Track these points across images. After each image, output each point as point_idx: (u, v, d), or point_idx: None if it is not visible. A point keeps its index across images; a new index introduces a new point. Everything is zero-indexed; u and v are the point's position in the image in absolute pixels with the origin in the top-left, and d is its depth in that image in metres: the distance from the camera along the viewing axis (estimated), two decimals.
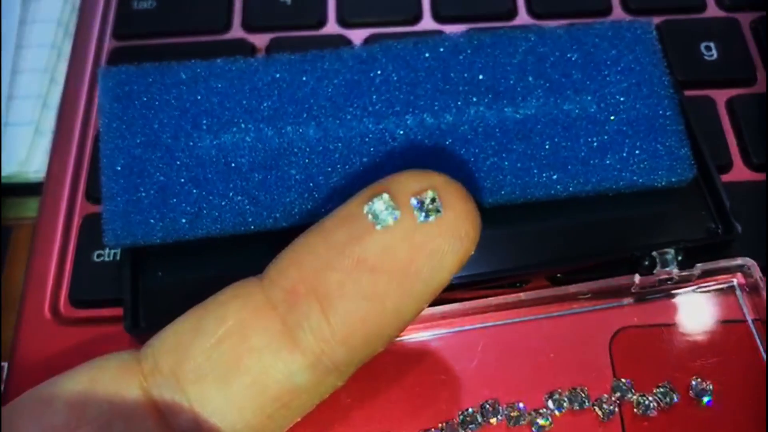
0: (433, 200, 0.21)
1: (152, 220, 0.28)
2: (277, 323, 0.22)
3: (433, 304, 0.26)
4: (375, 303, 0.21)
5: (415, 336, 0.29)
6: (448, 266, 0.21)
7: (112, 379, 0.22)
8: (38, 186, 0.34)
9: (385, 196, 0.21)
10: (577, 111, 0.29)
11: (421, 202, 0.21)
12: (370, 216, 0.21)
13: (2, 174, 0.35)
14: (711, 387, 0.27)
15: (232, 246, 0.29)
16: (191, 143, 0.29)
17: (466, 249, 0.22)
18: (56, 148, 0.34)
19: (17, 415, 0.21)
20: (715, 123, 0.33)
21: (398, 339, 0.28)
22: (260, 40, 0.37)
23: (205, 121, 0.29)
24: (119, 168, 0.29)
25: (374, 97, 0.29)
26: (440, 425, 0.27)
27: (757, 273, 0.28)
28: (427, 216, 0.21)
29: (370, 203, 0.21)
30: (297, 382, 0.21)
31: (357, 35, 0.37)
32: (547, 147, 0.29)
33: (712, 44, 0.35)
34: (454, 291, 0.28)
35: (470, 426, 0.27)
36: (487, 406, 0.27)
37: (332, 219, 0.22)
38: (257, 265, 0.23)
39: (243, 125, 0.29)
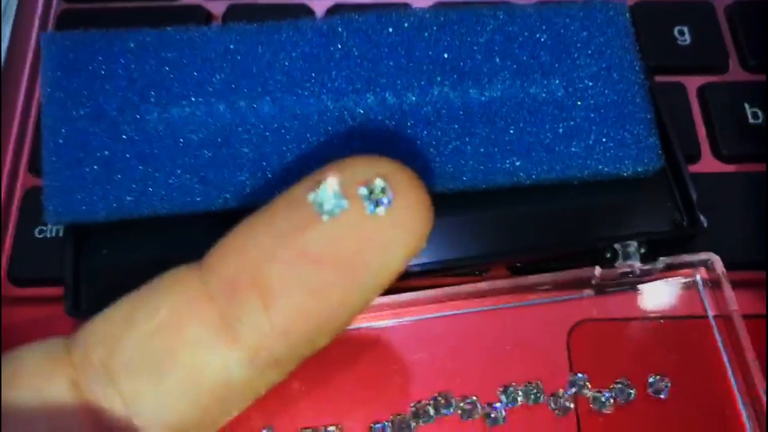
0: (383, 190, 0.20)
1: (95, 197, 0.27)
2: (214, 315, 0.21)
3: (389, 292, 0.25)
4: (318, 297, 0.20)
5: (368, 324, 0.28)
6: (397, 259, 0.21)
7: (37, 370, 0.21)
8: None
9: (332, 183, 0.20)
10: (543, 95, 0.28)
11: (370, 191, 0.20)
12: (315, 205, 0.20)
13: None
14: (668, 384, 0.27)
15: (181, 226, 0.28)
16: (138, 116, 0.28)
17: (417, 240, 0.21)
18: None
19: None
20: (685, 111, 0.32)
21: (351, 327, 0.27)
22: (217, 7, 0.35)
23: (153, 94, 0.28)
24: (61, 141, 0.27)
25: (333, 72, 0.28)
26: (391, 417, 0.26)
27: (720, 268, 0.28)
28: (375, 206, 0.20)
29: (315, 191, 0.20)
30: (234, 377, 0.21)
31: (319, 5, 0.35)
32: (511, 132, 0.28)
33: (685, 28, 0.34)
34: (410, 279, 0.28)
35: (422, 419, 0.26)
36: (440, 398, 0.27)
37: (276, 205, 0.21)
38: (208, 246, 0.22)
39: (193, 99, 0.28)
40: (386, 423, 0.26)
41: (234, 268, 0.21)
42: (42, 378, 0.21)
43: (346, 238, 0.20)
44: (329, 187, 0.20)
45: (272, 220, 0.21)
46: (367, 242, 0.20)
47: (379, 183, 0.20)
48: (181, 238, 0.28)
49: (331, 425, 0.26)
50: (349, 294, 0.20)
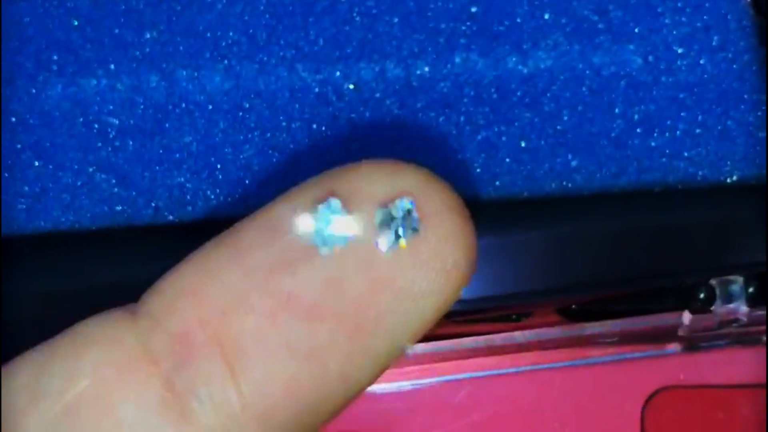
0: (408, 213, 0.17)
1: None
2: (158, 387, 0.17)
3: None
4: (311, 363, 0.17)
5: (383, 387, 0.27)
6: (424, 312, 0.17)
7: None
8: None
9: (335, 202, 0.17)
10: (612, 67, 0.24)
11: (390, 216, 0.16)
12: (308, 231, 0.17)
13: None
14: None
15: (113, 245, 0.25)
16: (33, 91, 0.24)
17: (455, 286, 0.17)
18: None
19: None
20: None
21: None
22: None
23: (55, 58, 0.24)
24: None
25: (312, 32, 0.24)
26: None
27: None
28: (396, 237, 0.17)
29: (309, 211, 0.17)
30: None
31: None
32: (565, 119, 0.24)
33: None
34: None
35: None
36: None
37: (251, 229, 0.18)
38: (147, 276, 0.18)
39: (113, 66, 0.24)
40: None
41: (187, 318, 0.17)
42: None
43: (353, 280, 0.17)
44: (331, 206, 0.17)
45: (244, 251, 0.17)
46: (381, 288, 0.17)
47: (402, 204, 0.17)
48: (113, 263, 0.25)
49: None
50: (353, 360, 0.17)
